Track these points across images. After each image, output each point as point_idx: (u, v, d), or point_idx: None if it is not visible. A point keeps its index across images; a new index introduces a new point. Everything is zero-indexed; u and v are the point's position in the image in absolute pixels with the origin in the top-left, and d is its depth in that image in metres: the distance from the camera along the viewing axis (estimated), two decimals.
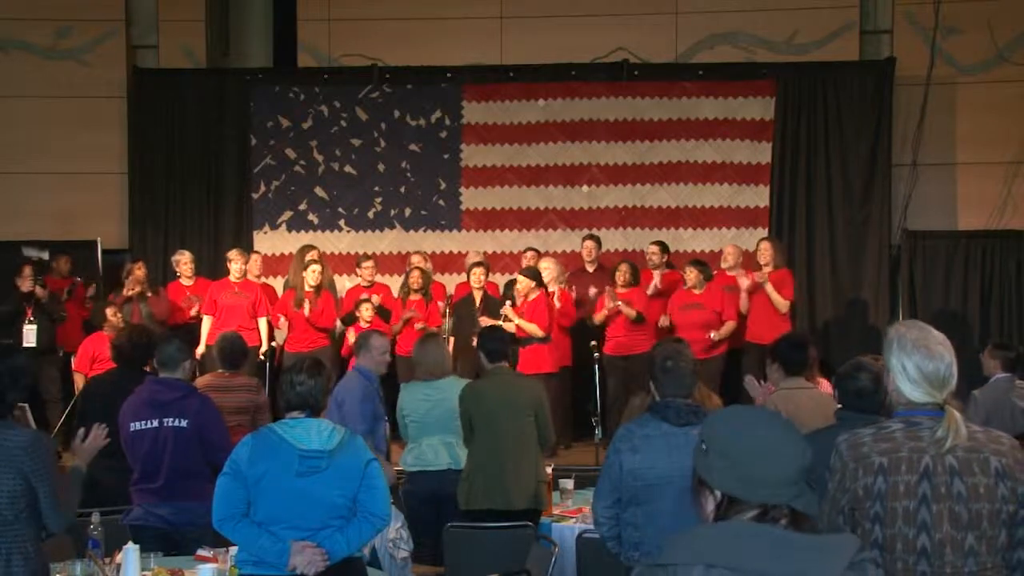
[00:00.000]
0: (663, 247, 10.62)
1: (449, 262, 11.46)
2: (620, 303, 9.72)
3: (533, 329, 9.38)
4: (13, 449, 4.24)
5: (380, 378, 6.79)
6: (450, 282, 11.03)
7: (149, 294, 10.26)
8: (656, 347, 4.82)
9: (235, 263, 10.27)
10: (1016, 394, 7.12)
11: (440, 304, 10.27)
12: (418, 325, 9.89)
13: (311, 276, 9.99)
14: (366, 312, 9.93)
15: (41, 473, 4.27)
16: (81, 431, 4.85)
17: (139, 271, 10.37)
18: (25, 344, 10.00)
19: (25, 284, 10.11)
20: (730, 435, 2.14)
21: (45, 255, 10.47)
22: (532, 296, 9.55)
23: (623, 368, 9.67)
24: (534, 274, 9.72)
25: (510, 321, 9.31)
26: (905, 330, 3.18)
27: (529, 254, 10.73)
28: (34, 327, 10.06)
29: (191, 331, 9.89)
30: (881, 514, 3.07)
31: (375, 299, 10.30)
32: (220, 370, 6.88)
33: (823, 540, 2.02)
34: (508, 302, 9.66)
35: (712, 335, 9.53)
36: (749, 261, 10.39)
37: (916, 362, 3.10)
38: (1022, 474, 3.08)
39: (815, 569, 1.94)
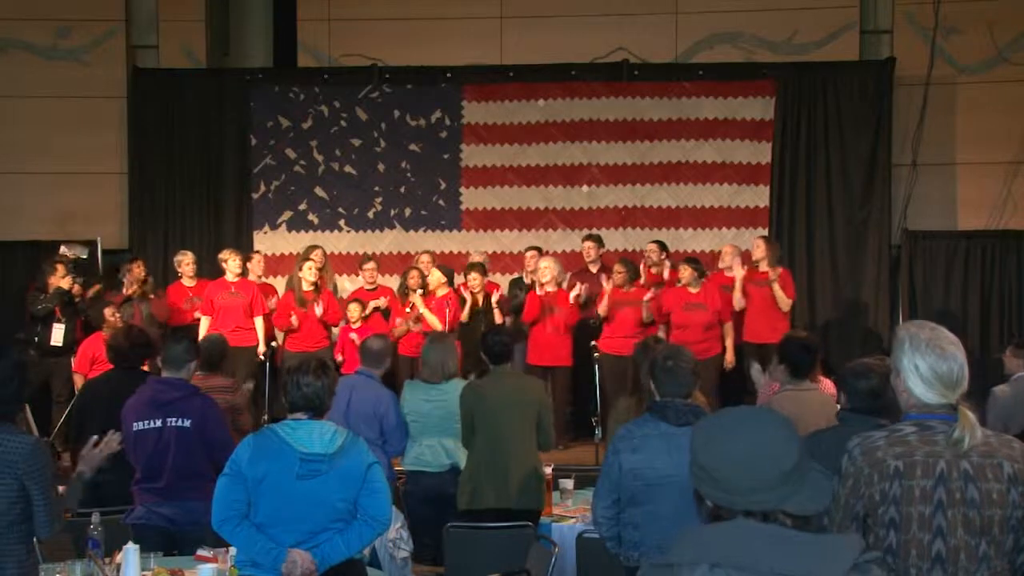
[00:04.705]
0: (662, 246, 10.62)
1: (449, 262, 11.43)
2: (644, 301, 9.71)
3: (433, 321, 9.73)
4: (11, 455, 4.23)
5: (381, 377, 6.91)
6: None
7: (151, 296, 10.25)
8: (648, 347, 4.80)
9: (231, 262, 10.24)
10: None
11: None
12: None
13: (307, 274, 10.01)
14: (353, 313, 9.97)
15: (38, 479, 4.25)
16: (94, 438, 4.74)
17: (138, 270, 10.37)
18: (52, 343, 10.04)
19: (65, 281, 10.08)
20: (706, 444, 2.12)
21: (84, 254, 10.53)
22: (441, 292, 9.94)
23: (619, 367, 9.61)
24: (448, 272, 10.18)
25: (416, 309, 9.82)
26: (917, 330, 3.12)
27: (530, 254, 10.74)
28: (62, 327, 10.07)
29: (191, 332, 9.87)
30: (896, 519, 3.03)
31: (383, 301, 10.34)
32: (198, 372, 6.85)
33: (827, 539, 2.02)
34: (419, 291, 10.01)
35: (728, 365, 9.65)
36: (748, 261, 10.37)
37: (930, 363, 3.05)
38: None
39: (819, 568, 1.94)
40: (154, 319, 9.99)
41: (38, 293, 10.17)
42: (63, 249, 10.57)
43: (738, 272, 9.89)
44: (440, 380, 6.61)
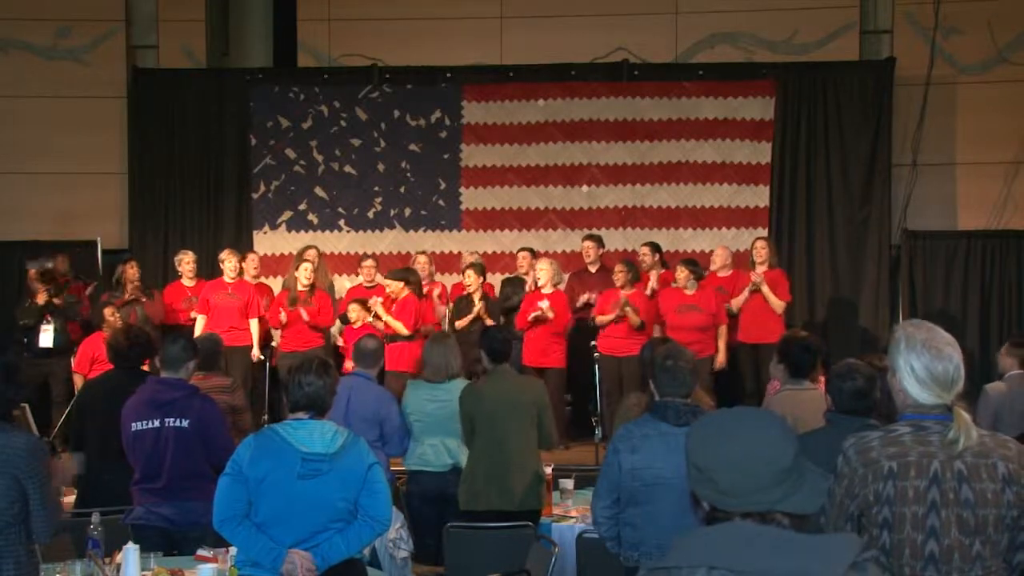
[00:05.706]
0: (654, 247, 10.56)
1: (449, 262, 11.46)
2: (628, 309, 9.61)
3: (398, 327, 9.69)
4: (11, 454, 4.22)
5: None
6: (450, 282, 11.02)
7: (144, 298, 10.25)
8: (655, 346, 4.81)
9: (228, 263, 10.23)
10: None
11: (440, 307, 10.28)
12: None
13: (303, 275, 10.01)
14: (353, 313, 9.93)
15: (36, 479, 4.25)
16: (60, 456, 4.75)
17: (131, 271, 10.37)
18: (42, 346, 10.09)
19: (41, 297, 10.21)
20: (701, 445, 2.11)
21: (49, 264, 10.57)
22: (402, 296, 9.86)
23: (616, 368, 9.60)
24: (402, 276, 10.01)
25: (378, 317, 9.73)
26: (913, 330, 3.12)
27: (522, 254, 10.69)
28: (51, 328, 10.12)
29: (186, 331, 9.86)
30: (889, 519, 3.04)
31: (375, 300, 10.31)
32: (197, 372, 6.85)
33: (825, 540, 2.02)
34: (378, 299, 9.90)
35: (717, 366, 9.62)
36: (742, 261, 10.36)
37: (925, 363, 3.05)
38: None
39: (817, 569, 1.94)
40: (148, 319, 9.99)
41: (24, 302, 10.36)
42: (31, 271, 10.57)
43: (755, 277, 9.84)
44: (443, 380, 6.61)
